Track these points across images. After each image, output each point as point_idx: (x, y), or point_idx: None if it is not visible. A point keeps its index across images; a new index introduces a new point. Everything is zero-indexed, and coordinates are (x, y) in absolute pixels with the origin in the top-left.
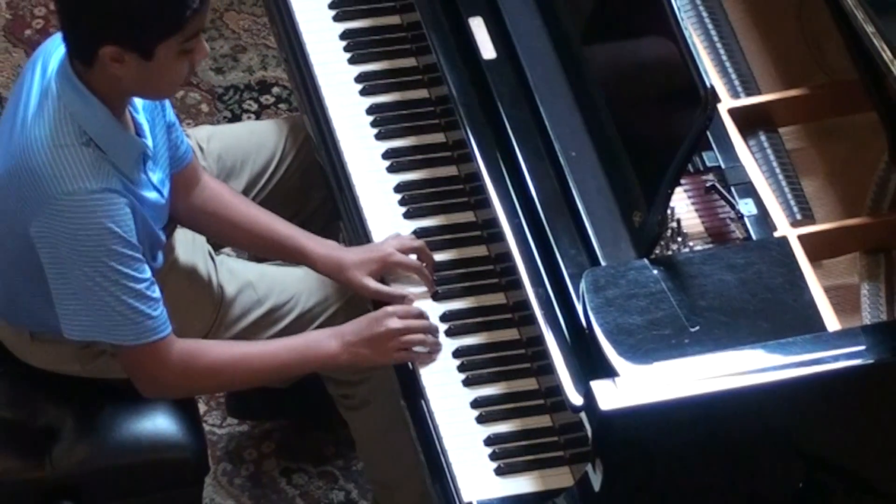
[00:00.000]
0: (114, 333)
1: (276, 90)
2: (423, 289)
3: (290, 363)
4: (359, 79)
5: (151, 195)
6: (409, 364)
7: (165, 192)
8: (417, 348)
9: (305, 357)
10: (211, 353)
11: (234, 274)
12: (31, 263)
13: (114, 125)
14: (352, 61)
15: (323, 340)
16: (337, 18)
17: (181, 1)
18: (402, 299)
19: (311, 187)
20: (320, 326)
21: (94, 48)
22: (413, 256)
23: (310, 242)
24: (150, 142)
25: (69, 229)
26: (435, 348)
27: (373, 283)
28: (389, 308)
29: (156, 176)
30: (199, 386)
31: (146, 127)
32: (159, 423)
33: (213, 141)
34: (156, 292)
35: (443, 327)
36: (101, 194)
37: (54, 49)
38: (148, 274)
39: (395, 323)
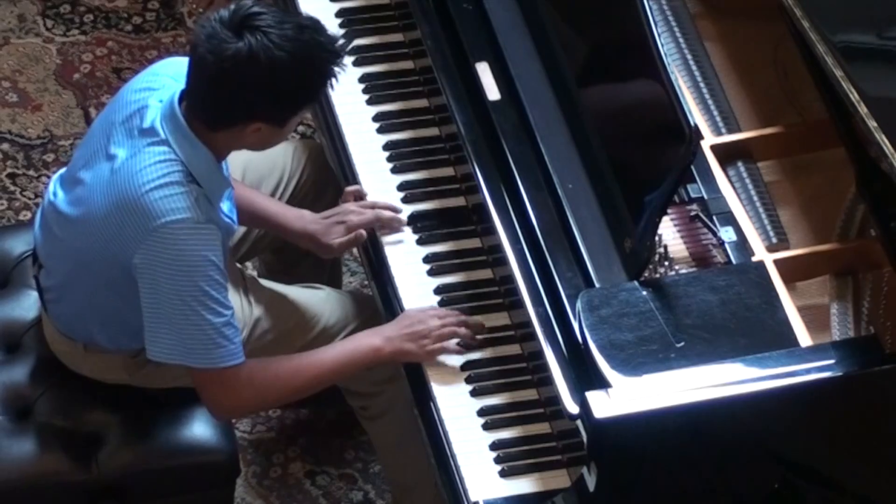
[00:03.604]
0: (195, 357)
1: (301, 128)
2: (396, 234)
3: (341, 364)
4: (376, 118)
5: (230, 221)
6: (423, 374)
7: (235, 219)
8: (453, 345)
9: (353, 356)
10: (270, 369)
11: (262, 292)
12: (117, 289)
13: (216, 169)
14: (369, 102)
15: (366, 338)
16: (356, 64)
17: (325, 79)
18: (357, 238)
19: (318, 200)
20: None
21: (237, 123)
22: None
23: (286, 217)
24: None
25: (172, 256)
26: (474, 343)
27: (339, 241)
28: (431, 310)
29: (226, 206)
30: (263, 401)
31: (227, 167)
32: (195, 430)
33: (231, 167)
34: (237, 322)
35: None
36: (205, 225)
37: (146, 94)
38: (232, 304)
39: (433, 322)
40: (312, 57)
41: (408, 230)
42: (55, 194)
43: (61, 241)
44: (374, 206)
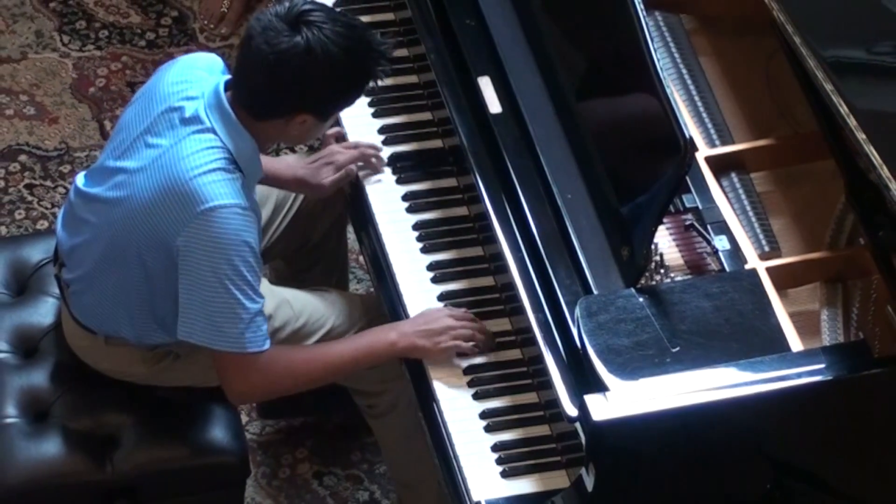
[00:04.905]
0: (223, 339)
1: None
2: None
3: (356, 357)
4: (381, 130)
5: (259, 211)
6: (427, 379)
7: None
8: (466, 344)
9: (369, 350)
10: (288, 358)
11: (273, 292)
12: (151, 271)
13: (257, 157)
14: (375, 115)
15: (382, 332)
16: None
17: (370, 76)
18: (349, 174)
19: (326, 211)
20: None
21: (285, 113)
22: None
23: (276, 166)
24: None
25: (216, 240)
26: (486, 346)
27: (330, 179)
28: (448, 311)
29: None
30: (279, 388)
31: None
32: (208, 432)
33: None
34: (266, 310)
35: None
36: (248, 212)
37: (183, 86)
38: (263, 293)
39: (449, 321)
40: (362, 55)
41: (412, 239)
42: (85, 185)
43: (95, 227)
44: (357, 146)
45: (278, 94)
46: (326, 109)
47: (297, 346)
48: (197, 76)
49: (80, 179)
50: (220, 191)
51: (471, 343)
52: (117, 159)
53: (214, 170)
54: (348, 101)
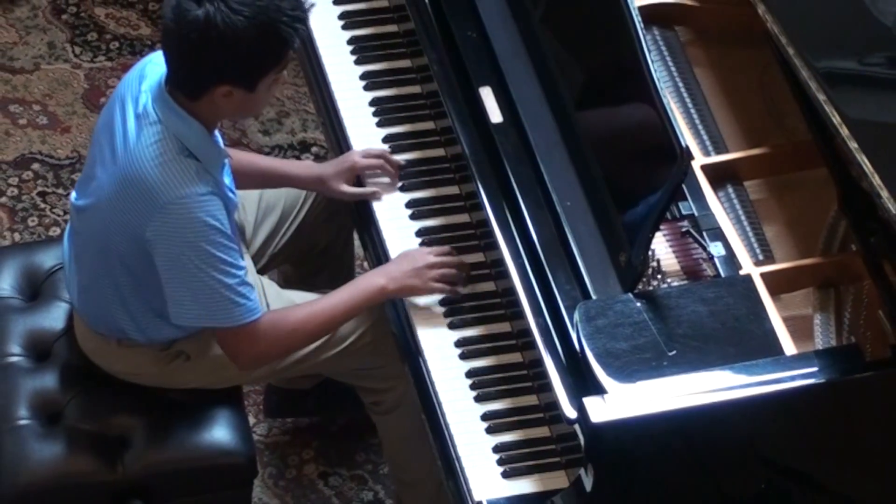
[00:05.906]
0: (217, 317)
1: (314, 149)
2: (388, 180)
3: (350, 306)
4: (385, 139)
5: (231, 195)
6: (430, 382)
7: (235, 193)
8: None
9: (362, 297)
10: (286, 319)
11: (280, 295)
12: (136, 268)
13: (208, 140)
14: (379, 124)
15: (371, 277)
16: (367, 88)
17: (286, 42)
18: (372, 194)
19: (330, 221)
20: (351, 343)
21: (208, 87)
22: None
23: (292, 168)
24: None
25: (180, 229)
26: (461, 280)
27: (349, 189)
28: (426, 248)
29: (227, 179)
30: (285, 348)
31: (220, 138)
32: (216, 433)
33: None
34: (250, 280)
35: (456, 351)
36: (207, 196)
37: (137, 84)
38: (244, 263)
39: (430, 258)
40: (271, 21)
41: (415, 245)
42: (74, 198)
43: (82, 236)
44: (376, 154)
45: (193, 70)
46: (248, 79)
47: (294, 307)
48: (151, 71)
49: (73, 193)
50: (174, 182)
51: (452, 282)
52: (91, 167)
53: (166, 161)
54: (269, 68)
